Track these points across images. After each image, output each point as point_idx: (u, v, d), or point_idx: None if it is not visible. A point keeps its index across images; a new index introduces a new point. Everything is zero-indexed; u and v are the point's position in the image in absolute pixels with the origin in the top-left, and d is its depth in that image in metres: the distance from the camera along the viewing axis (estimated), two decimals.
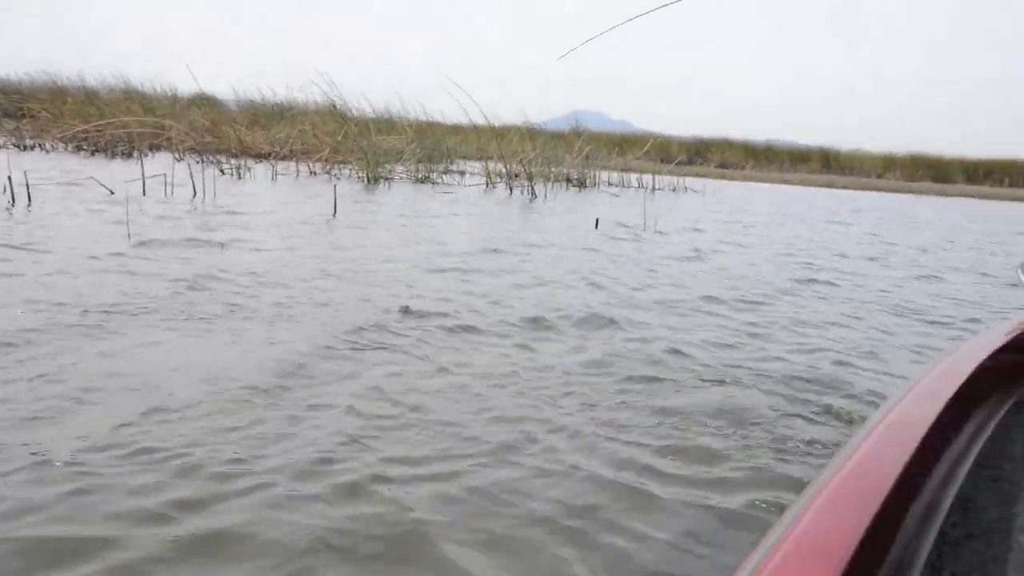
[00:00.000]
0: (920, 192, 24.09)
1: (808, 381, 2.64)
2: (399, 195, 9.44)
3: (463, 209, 8.53)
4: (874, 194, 21.58)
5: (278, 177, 10.65)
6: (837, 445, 2.06)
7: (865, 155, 30.20)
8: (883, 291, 4.85)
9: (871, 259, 6.70)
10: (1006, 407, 1.29)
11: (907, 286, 5.20)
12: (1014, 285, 5.39)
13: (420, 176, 12.10)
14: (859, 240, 8.33)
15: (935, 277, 5.77)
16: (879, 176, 28.76)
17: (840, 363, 2.90)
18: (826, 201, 16.24)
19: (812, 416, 2.30)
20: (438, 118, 14.53)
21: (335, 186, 7.57)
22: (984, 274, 6.32)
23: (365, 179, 11.24)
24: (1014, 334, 1.51)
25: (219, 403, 1.99)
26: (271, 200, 7.75)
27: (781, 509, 1.62)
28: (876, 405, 2.23)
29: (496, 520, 1.53)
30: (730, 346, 3.06)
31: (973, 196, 23.69)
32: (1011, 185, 27.54)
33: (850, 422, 2.30)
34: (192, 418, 1.89)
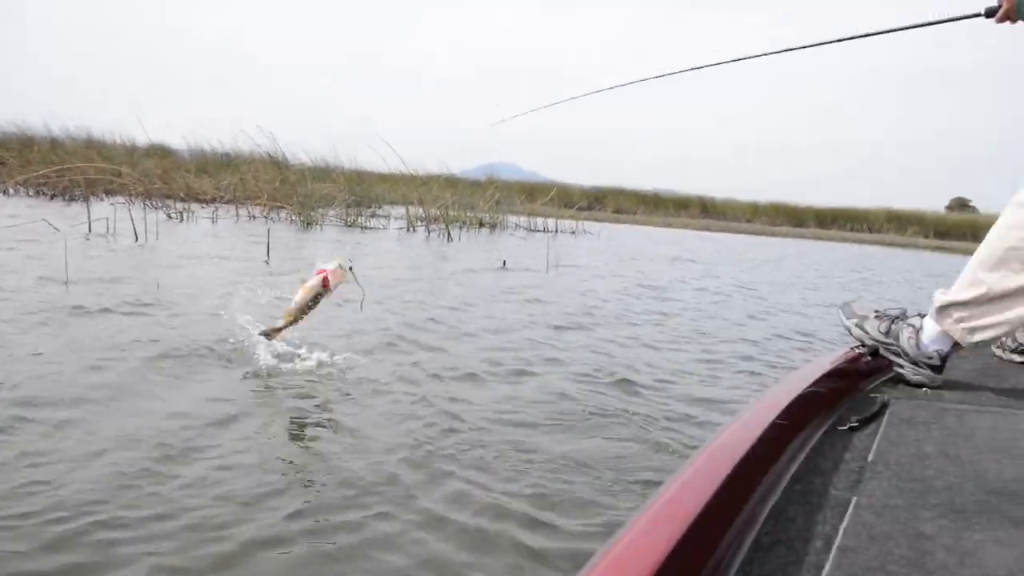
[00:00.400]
0: (781, 235, 25.77)
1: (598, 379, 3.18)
2: (328, 237, 9.67)
3: (382, 249, 8.85)
4: (741, 236, 22.96)
5: (219, 221, 10.80)
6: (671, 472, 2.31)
7: (736, 203, 32.13)
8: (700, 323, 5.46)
9: (711, 293, 7.34)
10: (823, 429, 1.36)
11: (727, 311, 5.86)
12: (836, 325, 5.94)
13: (349, 220, 12.40)
14: (686, 275, 9.05)
15: (761, 298, 6.47)
16: (748, 221, 30.56)
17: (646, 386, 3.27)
18: (692, 243, 17.29)
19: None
20: (371, 168, 15.02)
21: (269, 230, 7.74)
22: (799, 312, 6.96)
23: (299, 223, 11.49)
24: (833, 366, 1.62)
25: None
26: (208, 243, 7.82)
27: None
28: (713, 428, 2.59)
29: None
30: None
31: (823, 239, 25.49)
32: (852, 230, 29.83)
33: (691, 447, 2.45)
34: None
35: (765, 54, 2.17)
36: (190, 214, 10.95)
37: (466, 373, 3.17)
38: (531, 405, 2.82)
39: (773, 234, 26.20)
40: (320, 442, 2.33)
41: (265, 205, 12.43)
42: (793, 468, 1.15)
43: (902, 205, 31.57)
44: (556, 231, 15.90)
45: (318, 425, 2.52)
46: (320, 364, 3.08)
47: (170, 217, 10.54)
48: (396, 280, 5.80)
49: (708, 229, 26.23)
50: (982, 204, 37.87)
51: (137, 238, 7.28)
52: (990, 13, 1.78)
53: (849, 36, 2.05)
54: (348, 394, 2.77)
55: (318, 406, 2.67)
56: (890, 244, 25.47)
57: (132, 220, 7.62)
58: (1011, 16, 1.74)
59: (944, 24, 1.88)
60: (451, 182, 16.58)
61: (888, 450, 1.23)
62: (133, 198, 11.98)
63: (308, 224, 11.45)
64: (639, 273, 8.08)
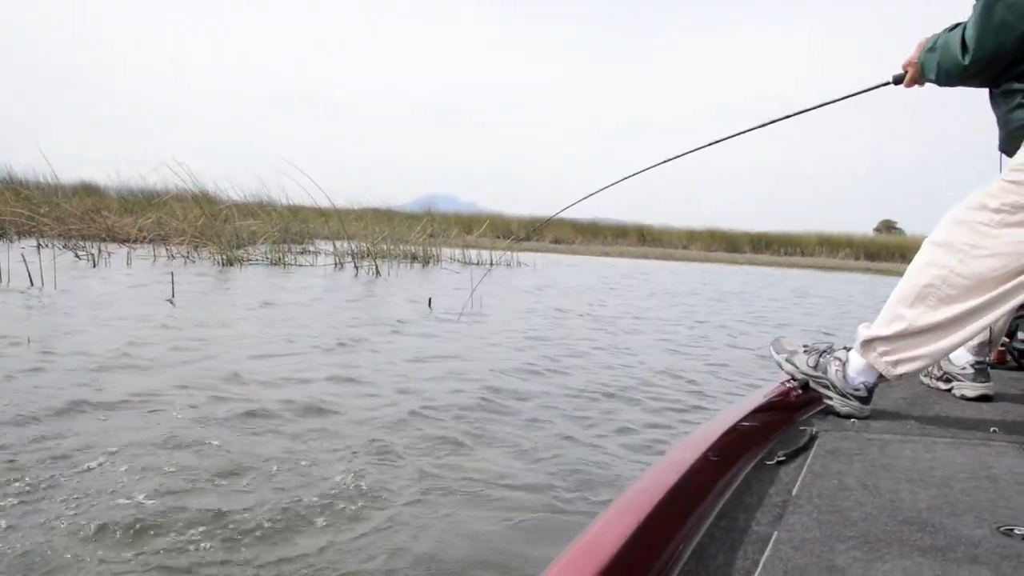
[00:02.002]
0: (716, 261, 26.53)
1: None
2: (245, 278, 9.37)
3: (300, 287, 8.64)
4: (676, 263, 23.52)
5: (134, 262, 10.43)
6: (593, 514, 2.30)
7: (672, 230, 33.06)
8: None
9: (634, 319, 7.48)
10: (753, 463, 1.40)
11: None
12: (767, 356, 6.03)
13: (274, 258, 12.16)
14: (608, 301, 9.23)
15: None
16: (684, 247, 31.41)
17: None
18: (624, 270, 17.61)
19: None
20: (307, 202, 14.79)
21: (173, 273, 7.37)
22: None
23: (220, 262, 11.20)
24: (764, 400, 1.70)
25: None
26: (114, 287, 7.43)
27: None
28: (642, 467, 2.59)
29: None
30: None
31: (757, 263, 26.38)
32: (785, 254, 31.05)
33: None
34: None
35: (723, 139, 2.35)
36: (105, 255, 10.57)
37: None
38: None
39: (707, 260, 26.98)
40: None
41: (188, 244, 12.12)
42: (720, 504, 1.18)
43: (832, 228, 33.09)
44: (491, 263, 15.96)
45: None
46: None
47: (79, 258, 10.17)
48: (291, 339, 4.92)
49: (646, 256, 26.82)
50: (908, 225, 40.06)
51: (32, 283, 6.92)
52: (898, 80, 1.94)
53: (777, 118, 2.23)
54: None
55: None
56: (822, 267, 26.54)
57: (26, 263, 7.20)
58: (918, 80, 1.89)
59: (860, 95, 2.05)
60: (388, 215, 16.59)
61: (812, 483, 1.28)
62: (47, 240, 11.63)
63: (229, 263, 11.17)
64: (576, 306, 8.12)
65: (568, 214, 3.01)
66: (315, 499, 2.17)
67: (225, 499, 2.13)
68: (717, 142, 2.36)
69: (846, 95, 2.10)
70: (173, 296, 6.64)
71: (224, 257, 11.23)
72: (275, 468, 2.40)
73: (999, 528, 1.07)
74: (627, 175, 2.57)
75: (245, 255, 12.17)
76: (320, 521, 2.04)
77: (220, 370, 3.74)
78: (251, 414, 2.98)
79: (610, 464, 2.68)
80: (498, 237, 21.27)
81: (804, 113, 2.20)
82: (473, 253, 16.26)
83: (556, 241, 30.97)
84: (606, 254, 26.87)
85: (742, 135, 2.29)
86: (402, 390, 3.62)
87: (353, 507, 2.14)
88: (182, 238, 12.21)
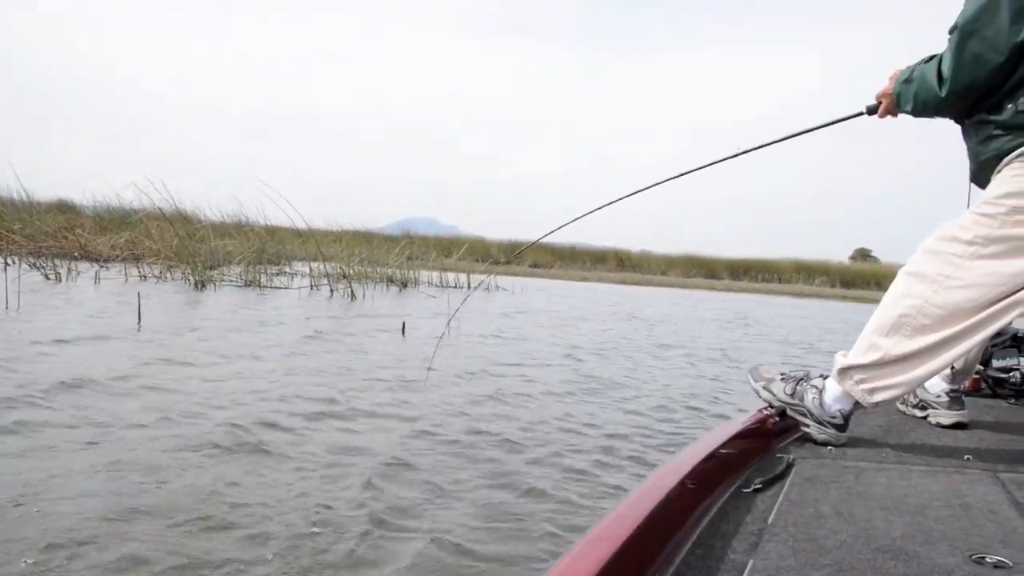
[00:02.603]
0: (694, 287, 26.76)
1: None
2: (215, 301, 9.21)
3: (272, 309, 8.53)
4: (655, 289, 23.67)
5: (103, 281, 10.28)
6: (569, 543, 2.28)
7: (651, 256, 33.36)
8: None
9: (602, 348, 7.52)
10: (730, 491, 1.41)
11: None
12: (744, 382, 6.05)
13: (248, 279, 12.04)
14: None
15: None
16: (663, 273, 31.66)
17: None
18: (601, 295, 17.66)
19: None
20: (286, 223, 14.69)
21: (139, 293, 7.07)
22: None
23: (192, 283, 11.07)
24: (742, 427, 1.71)
25: None
26: (75, 308, 7.23)
27: None
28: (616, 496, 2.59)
29: None
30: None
31: (735, 290, 26.63)
32: (762, 280, 31.43)
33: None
34: None
35: (703, 166, 2.37)
36: (74, 274, 10.43)
37: None
38: None
39: (686, 286, 27.19)
40: None
41: (161, 263, 11.99)
42: (697, 532, 1.19)
43: (808, 256, 33.60)
44: (469, 287, 15.95)
45: None
46: None
47: (47, 278, 10.00)
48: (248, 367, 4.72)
49: (625, 282, 26.98)
50: (882, 254, 40.79)
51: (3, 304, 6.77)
52: (872, 111, 1.98)
53: (749, 148, 2.25)
54: None
55: None
56: (799, 294, 26.85)
57: None
58: (892, 111, 1.93)
59: (834, 125, 2.09)
60: (366, 237, 16.57)
61: (788, 511, 1.29)
62: (15, 258, 11.40)
63: (202, 284, 11.04)
64: (551, 337, 8.06)
65: (547, 240, 3.03)
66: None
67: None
68: (688, 173, 2.39)
69: (819, 125, 2.14)
70: (139, 320, 6.41)
71: (197, 278, 11.11)
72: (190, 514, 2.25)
73: (971, 556, 1.08)
74: (605, 203, 2.59)
75: (219, 276, 12.06)
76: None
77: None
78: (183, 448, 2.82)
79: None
80: (477, 261, 21.32)
81: (778, 143, 2.23)
82: (451, 277, 16.25)
83: (535, 266, 31.08)
84: (585, 279, 27.00)
85: (715, 165, 2.32)
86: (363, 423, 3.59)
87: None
88: (156, 258, 12.09)
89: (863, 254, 42.74)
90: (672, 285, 27.16)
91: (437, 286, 15.59)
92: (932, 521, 1.24)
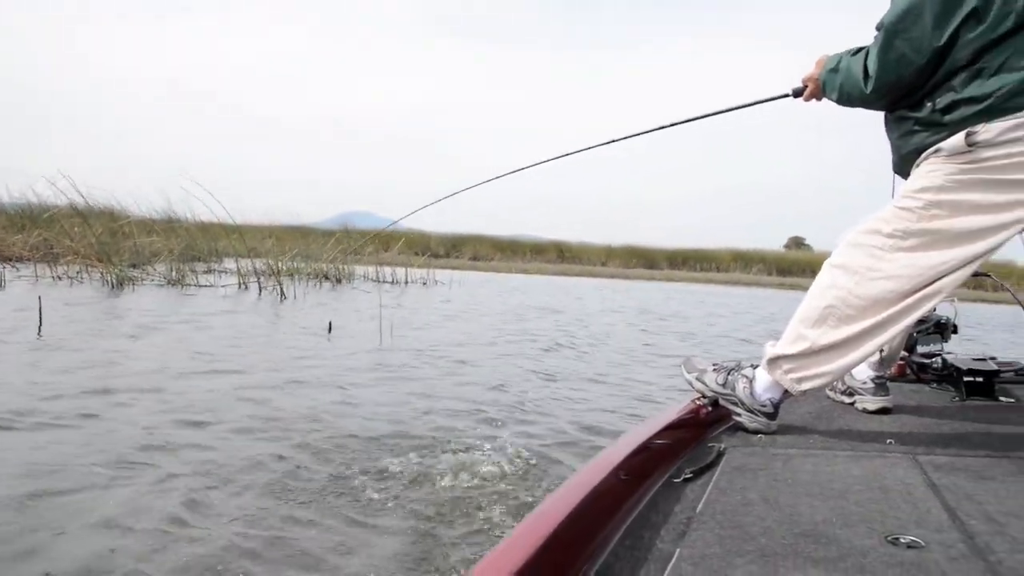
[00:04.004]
0: (634, 278, 27.21)
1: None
2: (131, 302, 8.78)
3: (189, 312, 8.21)
4: (594, 280, 23.95)
5: (9, 284, 9.79)
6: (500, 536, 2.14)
7: (591, 247, 33.79)
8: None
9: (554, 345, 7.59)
10: (661, 481, 1.44)
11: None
12: (676, 375, 5.98)
13: (172, 278, 11.67)
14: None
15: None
16: (603, 264, 32.07)
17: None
18: (543, 289, 17.78)
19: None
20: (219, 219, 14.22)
21: (40, 297, 6.36)
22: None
23: (110, 283, 10.67)
24: (674, 418, 1.76)
25: None
26: None
27: None
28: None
29: None
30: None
31: (675, 280, 27.19)
32: (702, 270, 32.21)
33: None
34: None
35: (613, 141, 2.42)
36: None
37: None
38: None
39: (626, 276, 27.62)
40: None
41: (80, 263, 11.51)
42: (626, 523, 1.21)
43: (745, 245, 34.59)
44: (406, 282, 15.86)
45: None
46: None
47: None
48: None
49: (565, 274, 27.22)
50: (815, 242, 42.27)
51: None
52: (797, 93, 2.05)
53: (670, 123, 2.33)
54: None
55: None
56: (737, 283, 27.59)
57: None
58: (816, 96, 2.01)
59: (759, 105, 2.15)
60: (303, 233, 16.30)
61: (717, 499, 1.33)
62: None
63: (120, 284, 10.65)
64: (482, 331, 8.07)
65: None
66: None
67: None
68: (602, 145, 2.45)
69: (746, 104, 2.21)
70: (40, 327, 5.87)
71: (115, 278, 10.71)
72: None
73: (887, 538, 1.14)
74: (490, 178, 2.66)
75: (141, 275, 11.66)
76: None
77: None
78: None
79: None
80: (416, 254, 21.21)
81: (704, 119, 2.28)
82: (388, 271, 16.11)
83: (475, 258, 31.13)
84: (525, 271, 27.14)
85: (635, 137, 2.38)
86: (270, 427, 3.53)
87: None
88: (73, 257, 11.60)
89: (797, 242, 44.25)
90: (611, 276, 27.54)
91: (373, 281, 15.43)
92: (853, 505, 1.31)
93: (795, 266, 32.19)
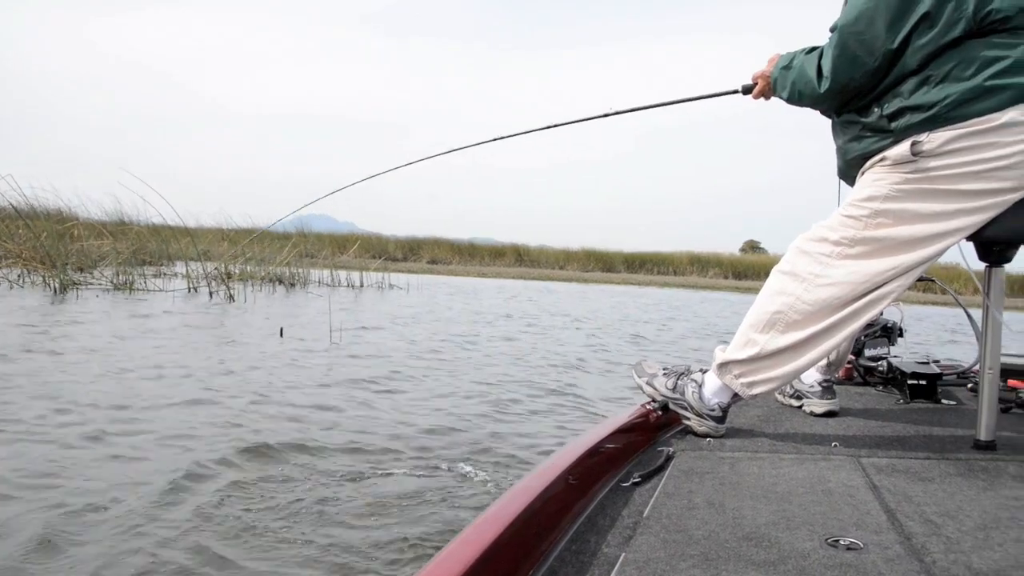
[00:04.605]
0: (592, 281, 27.39)
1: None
2: (72, 308, 8.46)
3: (130, 318, 8.00)
4: (550, 283, 24.02)
5: None
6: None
7: (549, 250, 33.91)
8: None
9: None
10: (608, 487, 1.46)
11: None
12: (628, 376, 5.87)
13: (119, 282, 11.38)
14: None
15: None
16: (561, 267, 32.23)
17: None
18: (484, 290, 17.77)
19: None
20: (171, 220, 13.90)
21: None
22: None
23: (54, 288, 10.35)
24: (624, 422, 1.76)
25: None
26: None
27: None
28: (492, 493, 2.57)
29: None
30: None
31: (632, 283, 27.44)
32: (658, 273, 32.62)
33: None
34: None
35: (552, 126, 2.41)
36: None
37: None
38: None
39: (584, 280, 27.79)
40: None
41: (22, 267, 11.14)
42: (574, 528, 1.23)
43: (702, 248, 35.12)
44: (361, 286, 15.73)
45: None
46: None
47: None
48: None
49: (523, 277, 27.28)
50: (770, 245, 43.15)
51: None
52: (747, 90, 2.08)
53: (610, 112, 2.33)
54: None
55: None
56: (694, 286, 27.95)
57: None
58: (766, 93, 2.04)
59: (708, 99, 2.18)
60: (257, 235, 16.03)
61: (663, 503, 1.35)
62: None
63: (64, 289, 10.34)
64: (432, 335, 8.02)
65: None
66: None
67: None
68: (541, 129, 2.46)
69: (695, 97, 2.24)
70: None
71: (59, 282, 10.40)
72: None
73: (827, 540, 1.17)
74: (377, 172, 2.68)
75: (87, 279, 11.33)
76: None
77: None
78: None
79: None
80: (373, 257, 21.05)
81: (649, 108, 2.30)
82: (343, 275, 15.95)
83: (433, 261, 31.00)
84: (483, 275, 27.12)
85: (579, 123, 2.38)
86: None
87: None
88: (15, 260, 11.22)
89: (752, 246, 45.09)
90: (569, 279, 27.69)
91: (328, 285, 15.26)
92: (796, 507, 1.33)
93: (751, 269, 32.77)
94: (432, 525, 2.35)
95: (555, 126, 2.45)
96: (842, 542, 1.15)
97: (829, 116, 2.04)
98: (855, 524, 1.25)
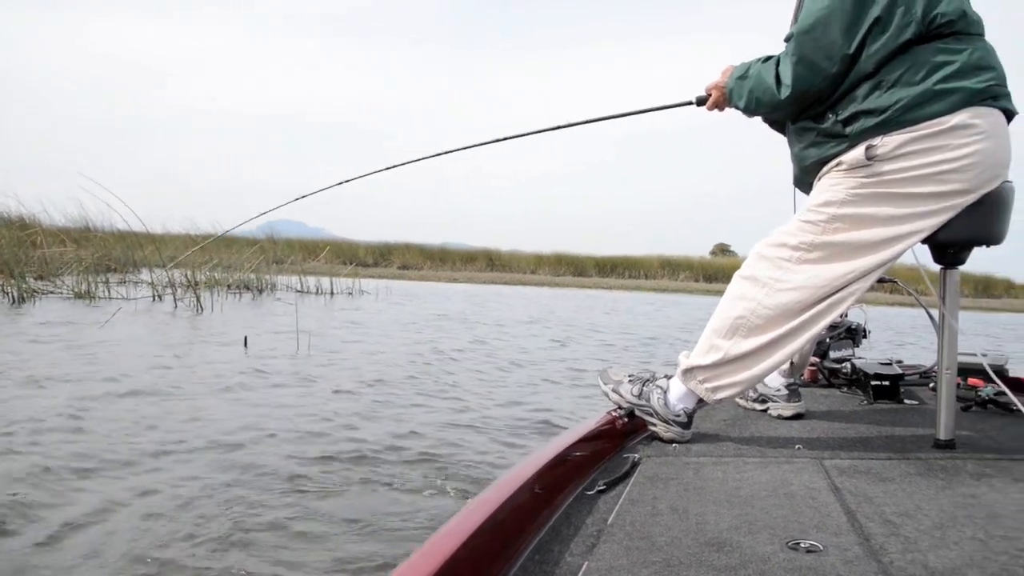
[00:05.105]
0: (563, 285, 27.48)
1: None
2: (31, 316, 8.31)
3: (85, 327, 7.88)
4: (522, 288, 24.04)
5: None
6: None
7: (521, 255, 33.94)
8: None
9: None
10: (574, 495, 1.47)
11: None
12: (595, 385, 5.74)
13: (80, 290, 11.15)
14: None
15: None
16: (533, 272, 32.29)
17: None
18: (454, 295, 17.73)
19: None
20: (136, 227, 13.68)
21: None
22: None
23: (12, 296, 10.12)
24: (590, 429, 1.78)
25: None
26: None
27: None
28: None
29: None
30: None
31: (603, 287, 27.57)
32: (630, 277, 32.83)
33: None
34: None
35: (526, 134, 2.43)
36: None
37: None
38: None
39: (555, 284, 27.86)
40: None
41: None
42: (538, 536, 1.23)
43: (672, 252, 35.40)
44: (331, 292, 15.62)
45: None
46: None
47: None
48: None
49: (495, 282, 27.28)
50: (740, 248, 43.69)
51: None
52: (701, 102, 2.10)
53: (571, 123, 2.37)
54: None
55: None
56: (665, 289, 28.17)
57: None
58: (720, 105, 2.06)
59: (662, 110, 2.20)
60: (227, 241, 15.86)
61: (628, 510, 1.36)
62: None
63: (23, 298, 10.11)
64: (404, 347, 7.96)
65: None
66: None
67: None
68: (492, 143, 2.48)
69: (648, 108, 2.27)
70: None
71: (17, 291, 10.17)
72: None
73: (788, 543, 1.18)
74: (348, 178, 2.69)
75: (47, 287, 11.10)
76: None
77: None
78: None
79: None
80: (344, 263, 20.92)
81: (602, 120, 2.33)
82: (312, 281, 15.81)
83: (404, 267, 30.88)
84: (454, 280, 27.08)
85: (530, 135, 2.41)
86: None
87: None
88: None
89: (722, 249, 45.61)
90: (541, 284, 27.74)
91: (297, 291, 15.12)
92: (758, 511, 1.35)
93: (721, 272, 33.10)
94: (391, 540, 2.32)
95: (506, 139, 2.46)
96: (802, 545, 1.17)
97: (776, 127, 2.08)
98: (816, 526, 1.27)
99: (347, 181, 2.77)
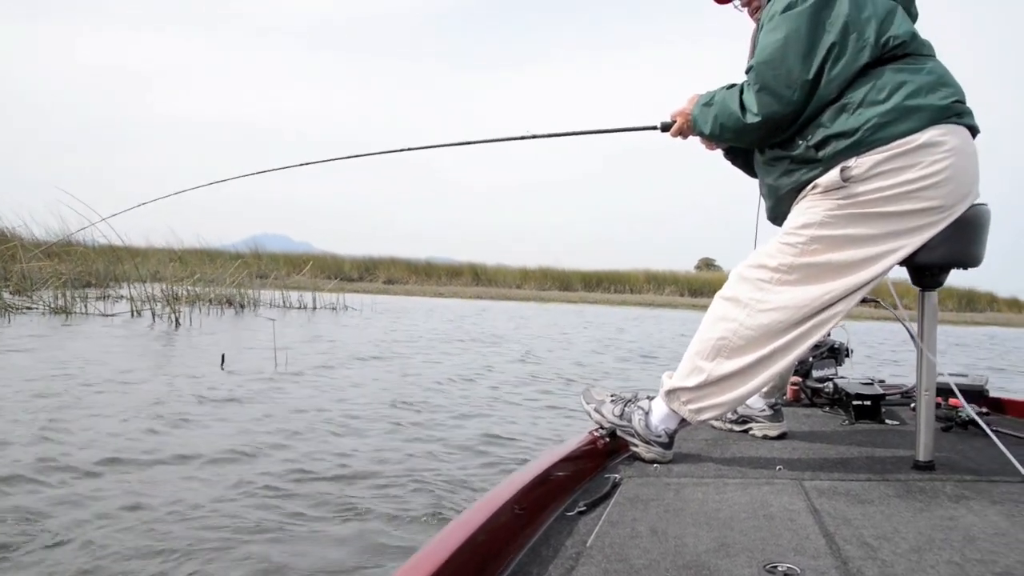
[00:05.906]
0: (550, 300, 27.49)
1: None
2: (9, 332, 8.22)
3: (58, 347, 7.84)
4: (506, 303, 24.00)
5: None
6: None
7: (506, 269, 33.98)
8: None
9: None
10: (554, 516, 1.47)
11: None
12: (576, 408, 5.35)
13: (56, 306, 11.03)
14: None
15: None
16: (518, 286, 32.29)
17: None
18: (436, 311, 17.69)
19: None
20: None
21: None
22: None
23: None
24: (572, 449, 1.78)
25: None
26: None
27: None
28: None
29: None
30: None
31: (589, 302, 27.61)
32: (616, 291, 32.92)
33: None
34: None
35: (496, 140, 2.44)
36: None
37: None
38: None
39: (541, 299, 27.87)
40: None
41: None
42: (517, 559, 1.23)
43: (658, 266, 35.54)
44: (315, 307, 15.54)
45: None
46: None
47: None
48: None
49: (480, 297, 27.25)
50: (725, 263, 43.94)
51: None
52: (665, 127, 2.13)
53: (535, 135, 2.38)
54: None
55: None
56: (651, 304, 28.23)
57: None
58: (684, 132, 2.09)
59: (626, 132, 2.23)
60: (211, 255, 15.78)
61: (607, 532, 1.37)
62: None
63: None
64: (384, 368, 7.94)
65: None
66: None
67: None
68: (455, 145, 2.51)
69: (613, 129, 2.30)
70: None
71: None
72: None
73: (765, 566, 1.19)
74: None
75: (24, 303, 10.97)
76: None
77: None
78: None
79: None
80: (328, 278, 20.84)
81: (566, 136, 2.37)
82: (295, 296, 15.73)
83: (389, 281, 30.80)
84: (440, 295, 27.03)
85: (496, 142, 2.44)
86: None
87: None
88: None
89: (707, 263, 45.83)
90: (527, 298, 27.74)
91: (279, 307, 15.03)
92: (737, 533, 1.36)
93: (706, 287, 33.25)
94: (367, 560, 2.29)
95: (470, 143, 2.50)
96: (780, 568, 1.18)
97: (739, 164, 2.12)
98: (794, 549, 1.28)
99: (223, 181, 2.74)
